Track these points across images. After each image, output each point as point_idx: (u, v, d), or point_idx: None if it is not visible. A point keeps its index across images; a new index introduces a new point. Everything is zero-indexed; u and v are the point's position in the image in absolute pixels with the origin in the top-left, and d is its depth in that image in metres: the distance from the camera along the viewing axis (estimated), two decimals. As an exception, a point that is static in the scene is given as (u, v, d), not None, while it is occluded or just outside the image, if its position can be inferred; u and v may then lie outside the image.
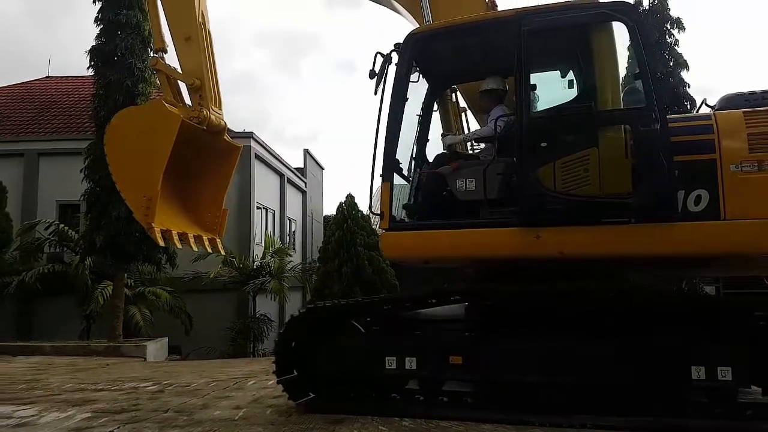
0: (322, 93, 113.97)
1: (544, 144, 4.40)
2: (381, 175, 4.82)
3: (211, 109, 5.45)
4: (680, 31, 17.99)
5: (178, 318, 14.66)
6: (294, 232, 23.89)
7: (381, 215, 4.82)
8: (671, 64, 17.68)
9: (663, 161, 4.01)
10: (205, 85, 5.46)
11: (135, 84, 12.41)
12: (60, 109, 19.53)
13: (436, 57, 5.38)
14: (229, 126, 5.93)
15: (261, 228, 19.01)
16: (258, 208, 18.54)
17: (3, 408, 5.13)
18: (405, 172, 5.34)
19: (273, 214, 20.49)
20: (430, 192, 5.04)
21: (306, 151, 25.88)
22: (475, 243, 4.54)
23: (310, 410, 4.66)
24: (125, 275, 13.42)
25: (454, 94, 6.31)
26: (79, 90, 20.69)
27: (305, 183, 25.30)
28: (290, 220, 23.10)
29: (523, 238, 4.30)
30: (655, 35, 17.32)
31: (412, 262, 5.71)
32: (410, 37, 4.86)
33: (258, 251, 17.55)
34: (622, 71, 4.62)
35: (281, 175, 21.98)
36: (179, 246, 5.35)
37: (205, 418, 4.54)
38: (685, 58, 17.68)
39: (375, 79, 4.77)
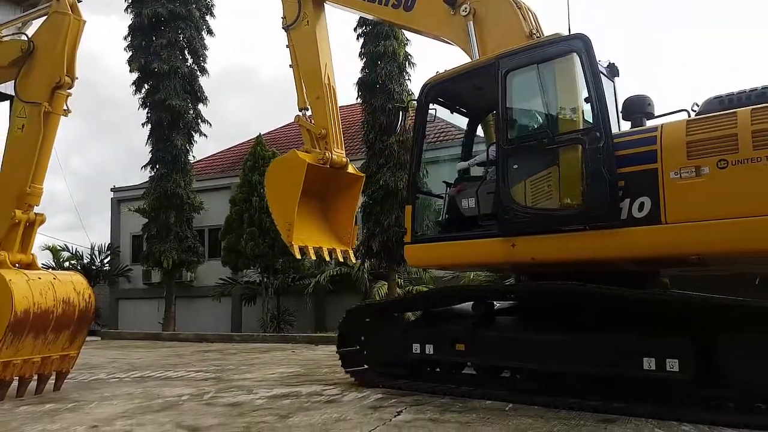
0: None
1: (515, 166, 5.12)
2: (404, 199, 5.86)
3: (333, 151, 6.79)
4: None
5: (442, 314, 15.63)
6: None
7: (404, 231, 6.04)
8: None
9: (605, 174, 4.52)
10: (329, 133, 6.84)
11: (394, 107, 13.80)
12: (335, 134, 22.40)
13: (455, 96, 6.42)
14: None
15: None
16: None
17: (315, 387, 6.19)
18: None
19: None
20: (445, 210, 6.10)
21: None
22: (470, 252, 5.51)
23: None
24: (396, 275, 14.99)
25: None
26: (347, 117, 23.66)
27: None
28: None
29: (503, 247, 5.12)
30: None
31: (431, 268, 7.07)
32: (423, 87, 6.04)
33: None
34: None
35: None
36: (314, 257, 6.72)
37: (478, 406, 4.87)
38: None
39: (399, 128, 6.29)
